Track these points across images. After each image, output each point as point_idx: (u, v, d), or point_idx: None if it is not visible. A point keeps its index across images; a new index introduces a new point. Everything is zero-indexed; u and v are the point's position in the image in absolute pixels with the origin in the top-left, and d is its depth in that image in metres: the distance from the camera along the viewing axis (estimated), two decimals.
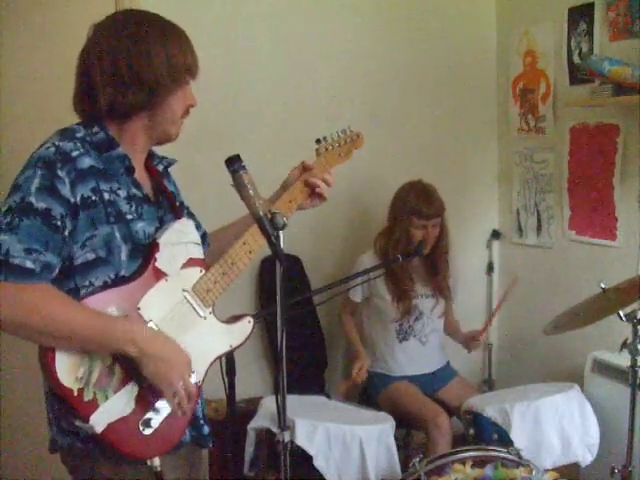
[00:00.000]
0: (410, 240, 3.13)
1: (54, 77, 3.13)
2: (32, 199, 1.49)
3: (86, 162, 1.57)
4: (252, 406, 2.82)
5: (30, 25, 3.26)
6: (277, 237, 1.63)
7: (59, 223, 1.50)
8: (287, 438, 1.74)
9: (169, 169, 1.86)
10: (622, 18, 3.04)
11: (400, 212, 3.16)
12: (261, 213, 1.62)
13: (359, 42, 3.54)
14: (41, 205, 1.49)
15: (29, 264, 1.46)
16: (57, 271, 1.52)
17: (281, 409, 1.71)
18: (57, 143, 1.56)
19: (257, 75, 3.35)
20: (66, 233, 1.52)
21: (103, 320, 1.53)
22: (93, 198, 1.56)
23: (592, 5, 3.18)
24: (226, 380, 2.04)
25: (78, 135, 1.60)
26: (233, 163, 1.64)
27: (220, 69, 3.20)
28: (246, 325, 1.80)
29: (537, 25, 3.55)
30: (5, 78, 3.23)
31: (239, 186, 1.64)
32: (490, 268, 3.94)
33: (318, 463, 2.49)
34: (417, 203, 3.11)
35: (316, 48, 3.46)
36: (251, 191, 1.63)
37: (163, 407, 1.62)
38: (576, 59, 3.30)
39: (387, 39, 3.60)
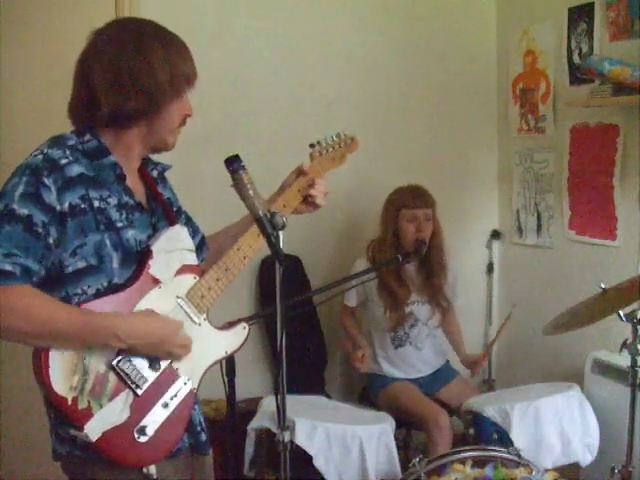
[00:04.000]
0: (402, 237, 3.13)
1: (54, 81, 3.11)
2: (15, 206, 1.49)
3: (75, 170, 1.56)
4: (252, 406, 2.82)
5: (30, 29, 3.26)
6: (277, 237, 1.63)
7: (40, 230, 1.49)
8: (287, 438, 1.74)
9: (165, 174, 1.85)
10: (622, 18, 3.04)
11: (390, 211, 3.18)
12: (261, 213, 1.62)
13: (359, 43, 3.55)
14: (23, 211, 1.49)
15: (8, 267, 1.45)
16: (36, 278, 1.50)
17: (281, 409, 1.71)
18: (46, 151, 1.56)
19: (257, 76, 3.35)
20: (50, 241, 1.51)
21: (84, 316, 1.53)
22: (82, 206, 1.55)
23: (592, 5, 3.18)
24: (226, 380, 2.04)
25: (69, 143, 1.60)
26: (232, 163, 1.64)
27: (219, 69, 3.21)
28: (241, 331, 1.80)
29: (537, 25, 3.55)
30: (5, 82, 3.22)
31: (239, 186, 1.64)
32: (490, 268, 3.94)
33: (318, 463, 2.49)
34: (404, 197, 3.16)
35: (315, 49, 3.47)
36: (251, 191, 1.63)
37: (159, 414, 1.62)
38: (576, 59, 3.30)
39: (387, 39, 3.60)
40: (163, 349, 1.61)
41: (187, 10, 3.13)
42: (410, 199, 3.14)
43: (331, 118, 3.38)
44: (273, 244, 1.62)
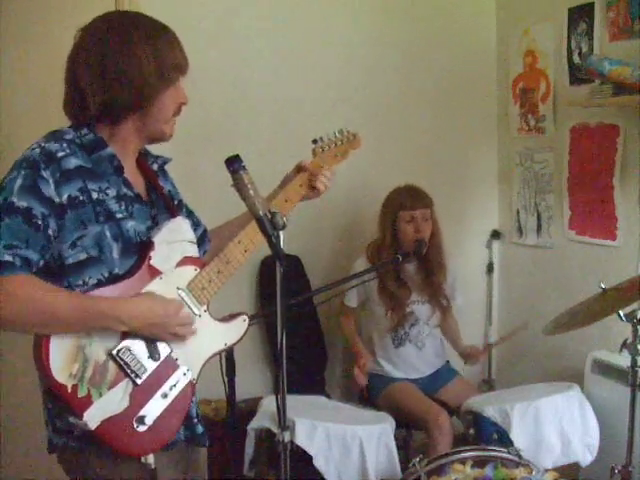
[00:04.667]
0: (401, 238, 3.13)
1: (54, 81, 3.11)
2: (14, 198, 1.50)
3: (72, 162, 1.58)
4: (252, 406, 2.82)
5: (30, 29, 3.25)
6: (277, 237, 1.63)
7: (40, 222, 1.51)
8: (287, 438, 1.74)
9: (166, 167, 1.86)
10: (622, 18, 3.04)
11: (388, 213, 3.18)
12: (261, 213, 1.62)
13: (359, 43, 3.54)
14: (22, 204, 1.50)
15: (8, 257, 1.47)
16: (36, 268, 1.52)
17: (281, 409, 1.71)
18: (42, 144, 1.58)
19: (257, 76, 3.35)
20: (49, 232, 1.53)
21: (86, 301, 1.54)
22: (81, 198, 1.57)
23: (592, 5, 3.19)
24: (226, 380, 2.04)
25: (67, 137, 1.61)
26: (233, 163, 1.64)
27: (219, 69, 3.20)
28: (241, 323, 1.81)
29: (537, 25, 3.56)
30: (5, 81, 3.22)
31: (239, 186, 1.64)
32: (490, 268, 3.94)
33: (318, 463, 2.49)
34: (401, 198, 3.16)
35: (316, 49, 3.46)
36: (251, 191, 1.63)
37: (158, 403, 1.63)
38: (576, 59, 3.30)
39: (387, 39, 3.59)
40: (165, 329, 1.62)
41: (187, 10, 3.13)
42: (407, 200, 3.14)
43: (331, 118, 3.38)
44: (274, 244, 1.62)
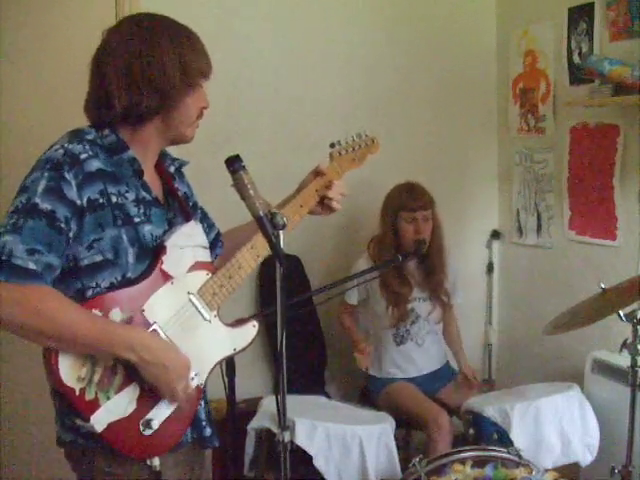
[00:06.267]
0: (402, 237, 3.13)
1: (55, 79, 3.12)
2: (38, 200, 1.50)
3: (94, 165, 1.58)
4: (252, 406, 2.82)
5: (31, 27, 3.26)
6: (277, 237, 1.63)
7: (63, 225, 1.51)
8: (287, 438, 1.74)
9: (182, 169, 1.86)
10: (622, 18, 3.04)
11: (388, 212, 3.18)
12: (261, 213, 1.62)
13: (359, 42, 3.55)
14: (46, 206, 1.50)
15: (31, 265, 1.46)
16: (58, 272, 1.52)
17: (281, 409, 1.71)
18: (66, 145, 1.57)
19: (257, 76, 3.35)
20: (70, 235, 1.53)
21: (103, 325, 1.54)
22: (100, 201, 1.57)
23: (592, 5, 3.19)
24: (226, 380, 2.04)
25: (88, 137, 1.61)
26: (233, 163, 1.63)
27: (219, 69, 3.18)
28: (250, 329, 1.81)
29: (537, 25, 3.56)
30: (6, 81, 3.22)
31: (239, 186, 1.64)
32: (490, 268, 3.94)
33: (318, 463, 2.49)
34: (402, 198, 3.15)
35: (316, 49, 3.47)
36: (251, 191, 1.62)
37: (164, 408, 1.63)
38: (576, 59, 3.30)
39: (387, 39, 3.60)
40: (166, 376, 1.59)
41: (187, 10, 3.09)
42: (408, 201, 3.13)
43: (331, 118, 3.38)
44: (273, 244, 1.62)
